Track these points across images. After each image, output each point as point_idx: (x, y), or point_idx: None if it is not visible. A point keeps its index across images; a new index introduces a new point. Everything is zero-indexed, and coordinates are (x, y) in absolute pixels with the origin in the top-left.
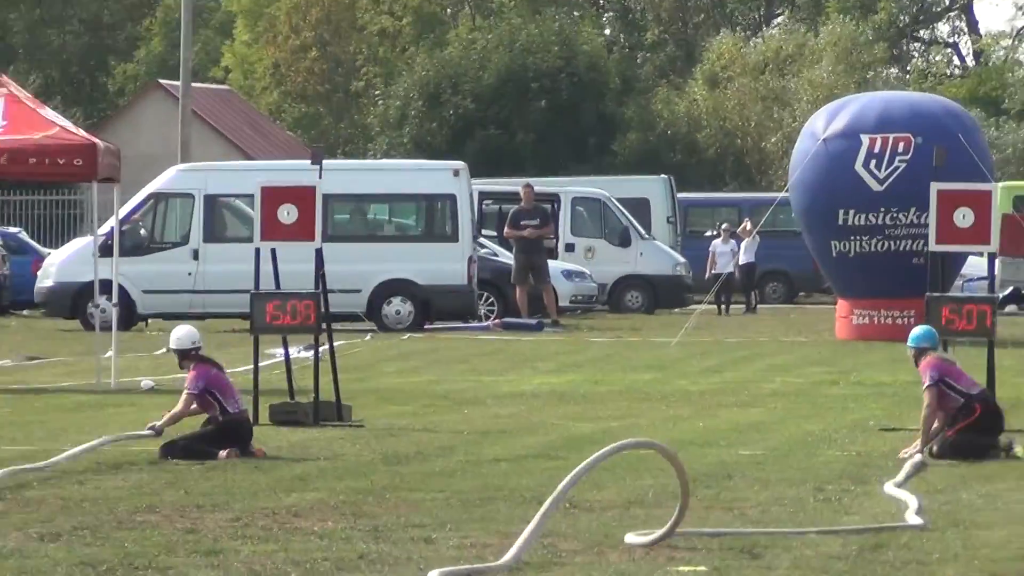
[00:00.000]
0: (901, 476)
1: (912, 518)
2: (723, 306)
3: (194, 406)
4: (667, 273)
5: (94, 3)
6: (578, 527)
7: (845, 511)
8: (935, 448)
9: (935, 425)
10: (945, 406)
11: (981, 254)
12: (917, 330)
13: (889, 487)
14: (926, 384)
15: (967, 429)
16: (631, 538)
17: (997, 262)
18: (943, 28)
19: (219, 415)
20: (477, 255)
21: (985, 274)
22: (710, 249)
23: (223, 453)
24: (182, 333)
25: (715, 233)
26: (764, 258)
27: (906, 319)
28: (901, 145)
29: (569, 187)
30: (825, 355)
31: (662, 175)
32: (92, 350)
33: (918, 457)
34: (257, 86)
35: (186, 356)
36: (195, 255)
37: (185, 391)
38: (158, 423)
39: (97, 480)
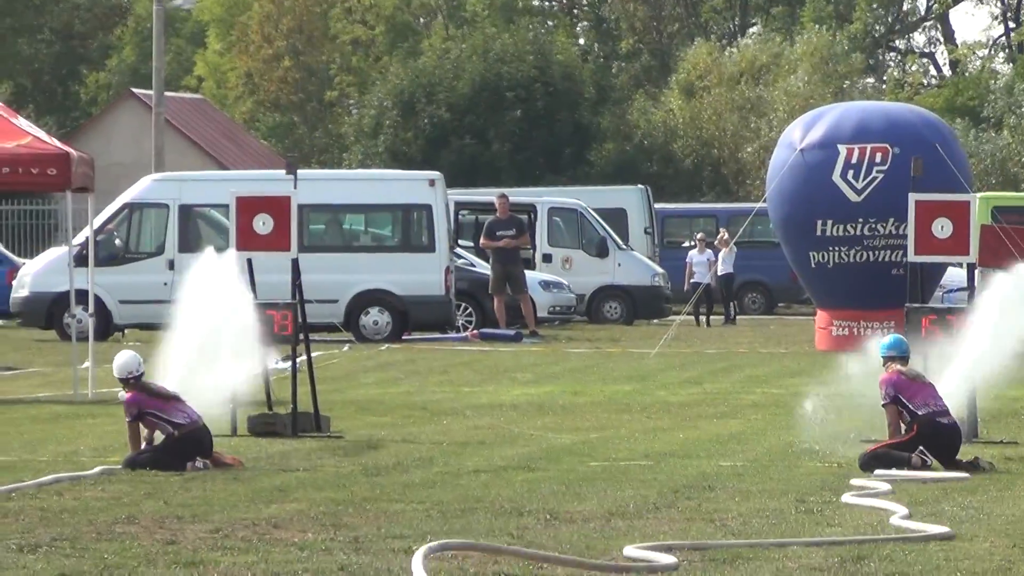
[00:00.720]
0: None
1: (934, 527)
2: (703, 317)
3: (156, 431)
4: (645, 284)
5: (65, 12)
6: (559, 539)
7: (827, 522)
8: (858, 461)
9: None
10: (901, 421)
11: (960, 264)
12: (886, 339)
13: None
14: (882, 402)
15: (894, 446)
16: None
17: (976, 272)
18: (919, 38)
19: (173, 431)
20: (454, 265)
21: (965, 285)
22: (687, 260)
23: (189, 465)
24: (120, 362)
25: (692, 244)
26: (742, 269)
27: (886, 330)
28: (879, 155)
29: (545, 197)
30: (804, 366)
31: (639, 185)
32: (69, 360)
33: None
34: (230, 95)
35: (125, 383)
36: (171, 265)
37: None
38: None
39: (76, 491)
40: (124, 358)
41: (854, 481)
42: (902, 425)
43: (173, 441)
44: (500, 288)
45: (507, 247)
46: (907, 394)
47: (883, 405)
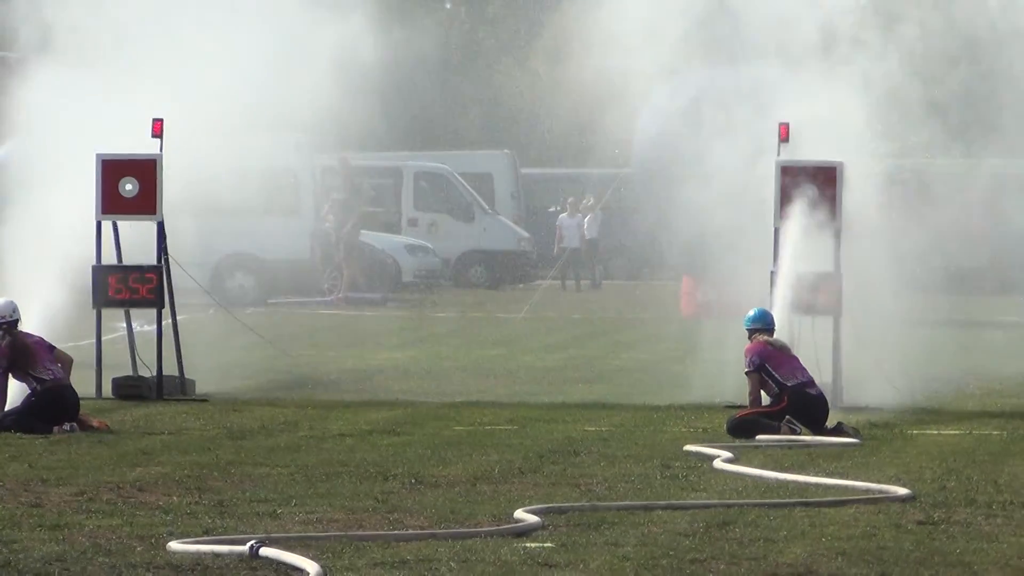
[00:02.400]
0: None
1: (897, 489)
2: (574, 282)
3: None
4: (511, 248)
5: None
6: (424, 503)
7: (692, 488)
8: (725, 425)
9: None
10: (766, 391)
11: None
12: (751, 312)
13: (719, 463)
14: (746, 369)
15: (764, 414)
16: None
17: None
18: None
19: (36, 385)
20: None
21: None
22: (557, 224)
23: (56, 428)
24: None
25: (559, 208)
26: (608, 234)
27: (750, 295)
28: (744, 120)
29: (412, 162)
30: (669, 331)
31: (505, 150)
32: None
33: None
34: None
35: None
36: None
37: None
38: None
39: None
40: None
41: (688, 447)
42: (764, 395)
43: (36, 399)
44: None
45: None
46: (773, 363)
47: (746, 373)
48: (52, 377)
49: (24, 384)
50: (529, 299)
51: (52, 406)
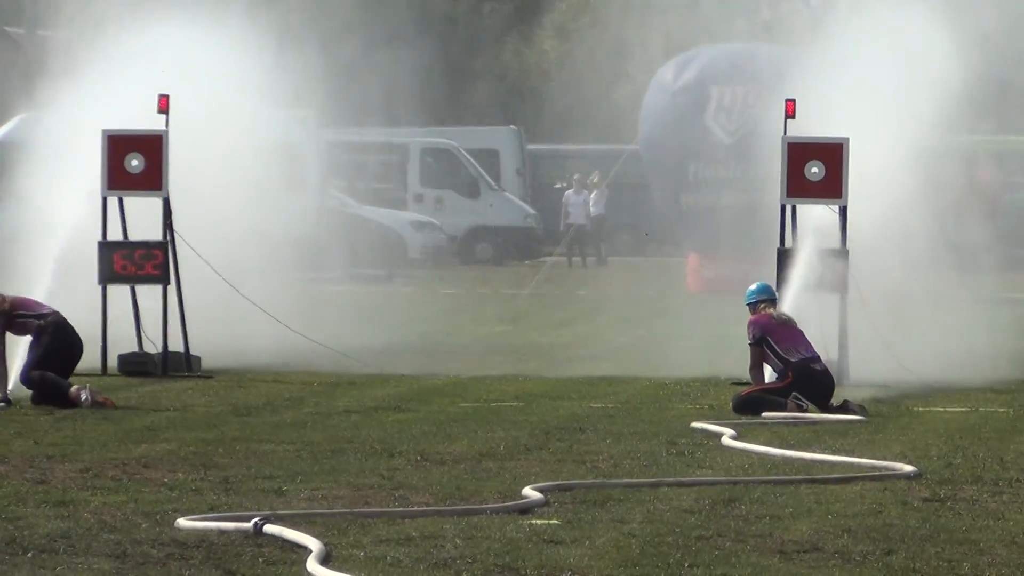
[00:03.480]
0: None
1: (903, 466)
2: (580, 258)
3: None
4: (517, 224)
5: None
6: (430, 480)
7: (698, 464)
8: (731, 403)
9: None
10: (770, 366)
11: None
12: (753, 286)
13: (727, 440)
14: (749, 341)
15: (770, 391)
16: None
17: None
18: None
19: (39, 320)
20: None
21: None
22: (563, 200)
23: (75, 389)
24: None
25: (565, 185)
26: (614, 210)
27: (756, 272)
28: (751, 97)
29: (418, 138)
30: (676, 308)
31: (511, 126)
32: None
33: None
34: None
35: None
36: None
37: None
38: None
39: None
40: None
41: (695, 424)
42: (766, 367)
43: (42, 334)
44: None
45: None
46: (775, 336)
47: (749, 344)
48: (51, 311)
49: (27, 337)
50: (535, 275)
51: (58, 338)
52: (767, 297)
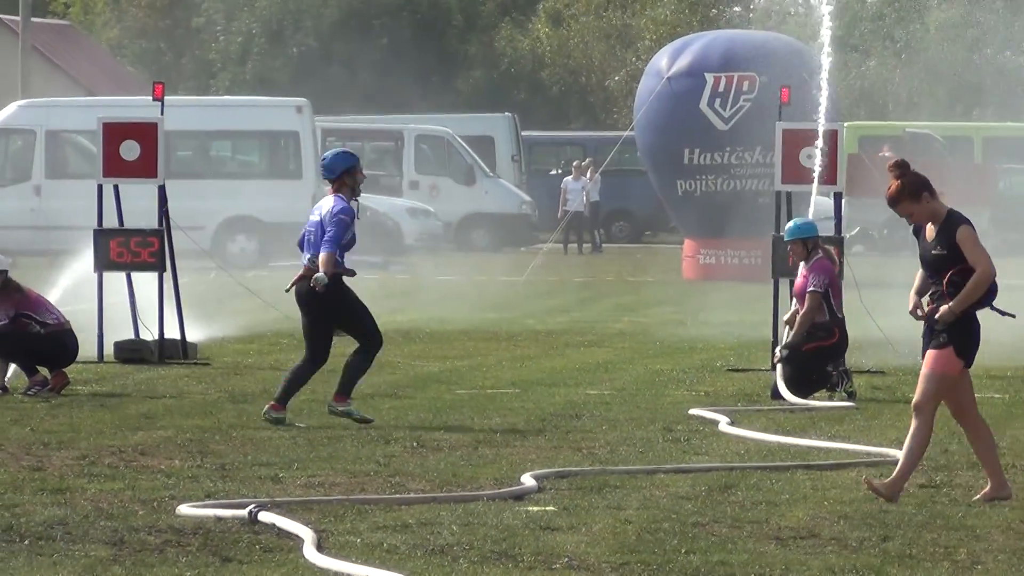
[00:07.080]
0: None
1: (898, 452)
2: (576, 245)
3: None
4: (512, 211)
5: None
6: (426, 467)
7: (694, 451)
8: (783, 352)
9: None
10: (818, 318)
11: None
12: (795, 221)
13: (724, 426)
14: (811, 288)
15: (820, 351)
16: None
17: (844, 202)
18: None
19: (40, 329)
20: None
21: (832, 214)
22: (561, 186)
23: (36, 377)
24: None
25: (560, 171)
26: (609, 197)
27: (752, 259)
28: (746, 84)
29: (413, 124)
30: (672, 295)
31: (506, 113)
32: None
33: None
34: (97, 21)
35: None
36: (37, 191)
37: None
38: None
39: None
40: None
41: (692, 411)
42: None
43: (37, 339)
44: None
45: None
46: (834, 290)
47: (810, 291)
48: (56, 321)
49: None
50: (531, 262)
51: (53, 350)
52: (811, 234)
